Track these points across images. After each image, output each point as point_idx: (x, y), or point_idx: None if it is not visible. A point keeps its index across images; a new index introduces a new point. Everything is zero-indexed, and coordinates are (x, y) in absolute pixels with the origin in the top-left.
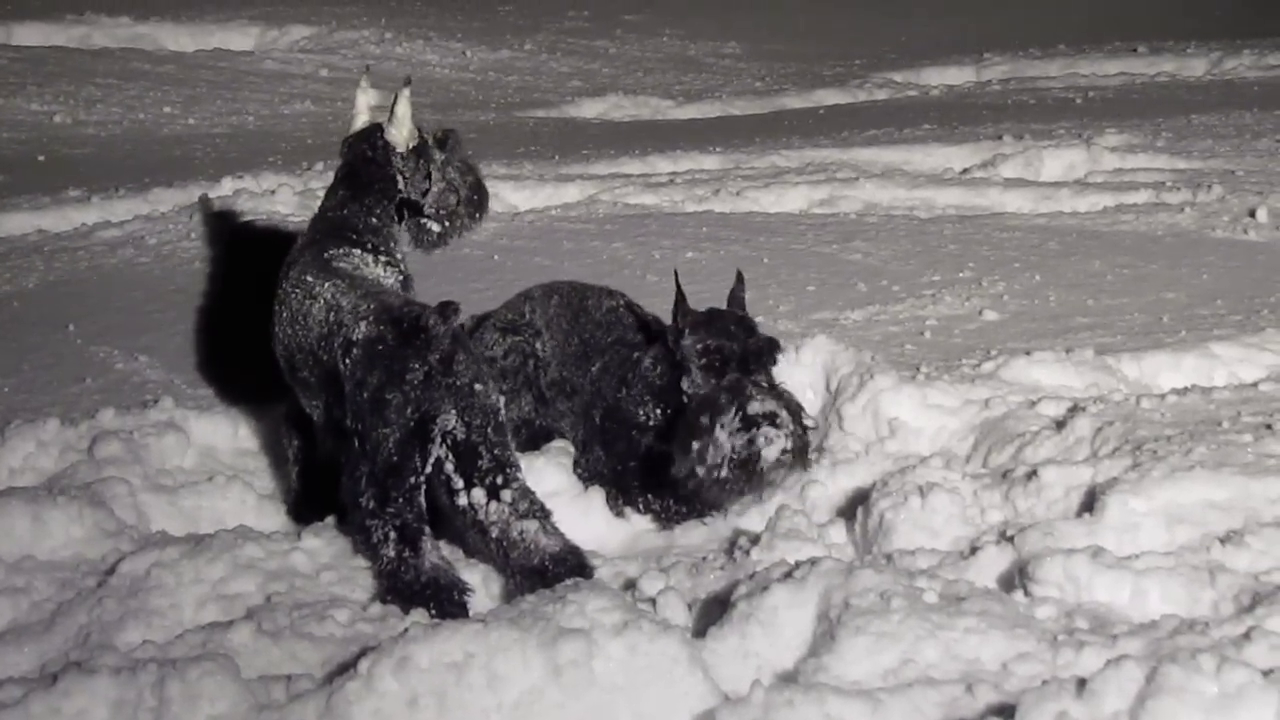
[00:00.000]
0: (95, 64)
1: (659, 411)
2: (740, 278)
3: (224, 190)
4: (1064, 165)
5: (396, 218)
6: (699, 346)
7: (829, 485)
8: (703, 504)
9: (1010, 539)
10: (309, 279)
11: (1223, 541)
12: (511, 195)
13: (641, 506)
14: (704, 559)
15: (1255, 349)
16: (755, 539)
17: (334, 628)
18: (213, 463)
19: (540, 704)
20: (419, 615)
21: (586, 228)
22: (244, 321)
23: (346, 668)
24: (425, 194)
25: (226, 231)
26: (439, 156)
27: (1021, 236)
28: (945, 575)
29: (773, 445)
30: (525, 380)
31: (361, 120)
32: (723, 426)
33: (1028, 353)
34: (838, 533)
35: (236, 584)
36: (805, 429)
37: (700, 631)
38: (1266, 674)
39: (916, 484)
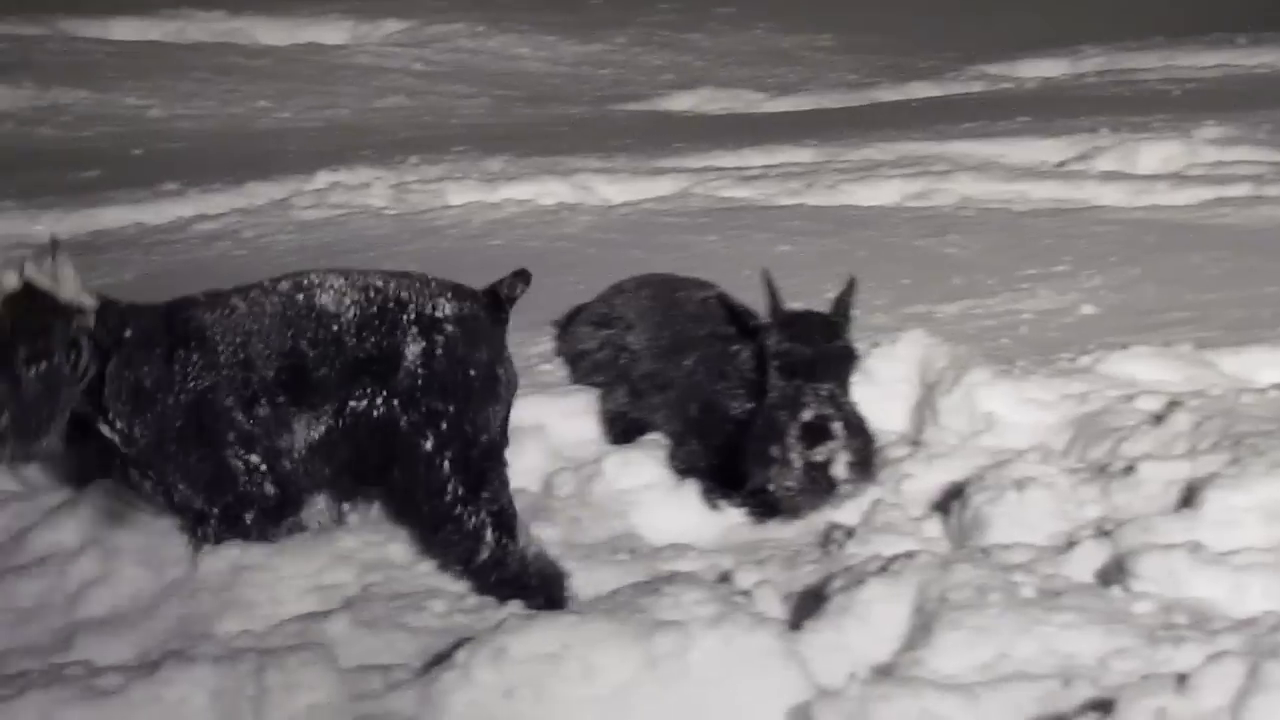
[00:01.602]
0: (191, 58)
1: (754, 407)
2: (852, 283)
3: (318, 184)
4: (1161, 158)
5: None
6: (776, 348)
7: (924, 479)
8: (777, 512)
9: (1108, 534)
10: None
11: None
12: (604, 188)
13: (737, 500)
14: (798, 552)
15: None
16: (850, 532)
17: (430, 618)
18: None
19: (635, 696)
20: (515, 606)
21: (679, 221)
22: None
23: (443, 658)
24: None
25: (320, 224)
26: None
27: (1118, 230)
28: (1042, 570)
29: (834, 460)
30: (619, 373)
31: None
32: (784, 438)
33: (1125, 347)
34: (933, 526)
35: (333, 575)
36: (867, 441)
37: (795, 624)
38: None
39: (1013, 478)
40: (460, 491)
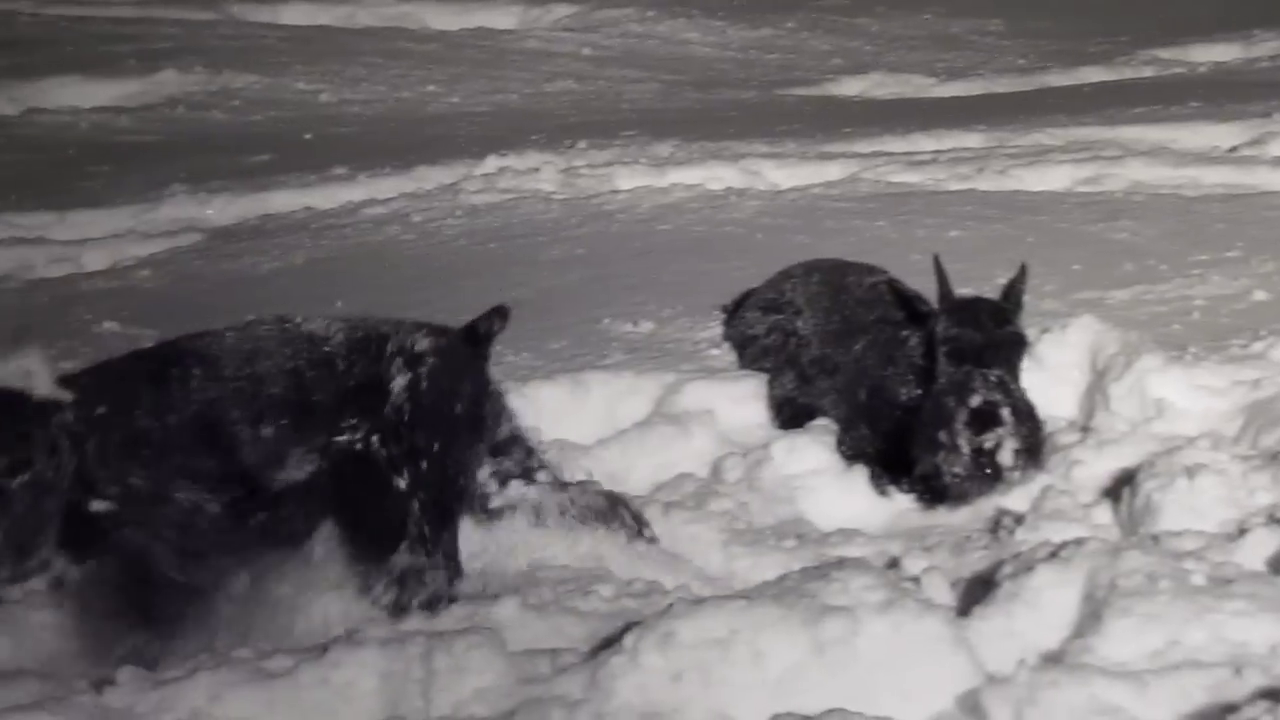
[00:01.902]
0: (360, 43)
1: (922, 393)
2: (1023, 270)
3: (487, 168)
4: None
5: None
6: (945, 334)
7: (1094, 465)
8: (945, 499)
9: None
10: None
11: None
12: (773, 173)
13: (905, 485)
14: (967, 538)
15: None
16: (1020, 519)
17: (598, 602)
18: None
19: (803, 681)
20: (682, 591)
21: (848, 206)
22: (508, 299)
23: (611, 642)
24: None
25: (489, 208)
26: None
27: None
28: (1213, 557)
29: (1002, 447)
30: (787, 358)
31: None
32: (952, 424)
33: None
34: (1103, 513)
35: (501, 560)
36: (1035, 428)
37: (964, 611)
38: None
39: (1184, 465)
40: (422, 532)
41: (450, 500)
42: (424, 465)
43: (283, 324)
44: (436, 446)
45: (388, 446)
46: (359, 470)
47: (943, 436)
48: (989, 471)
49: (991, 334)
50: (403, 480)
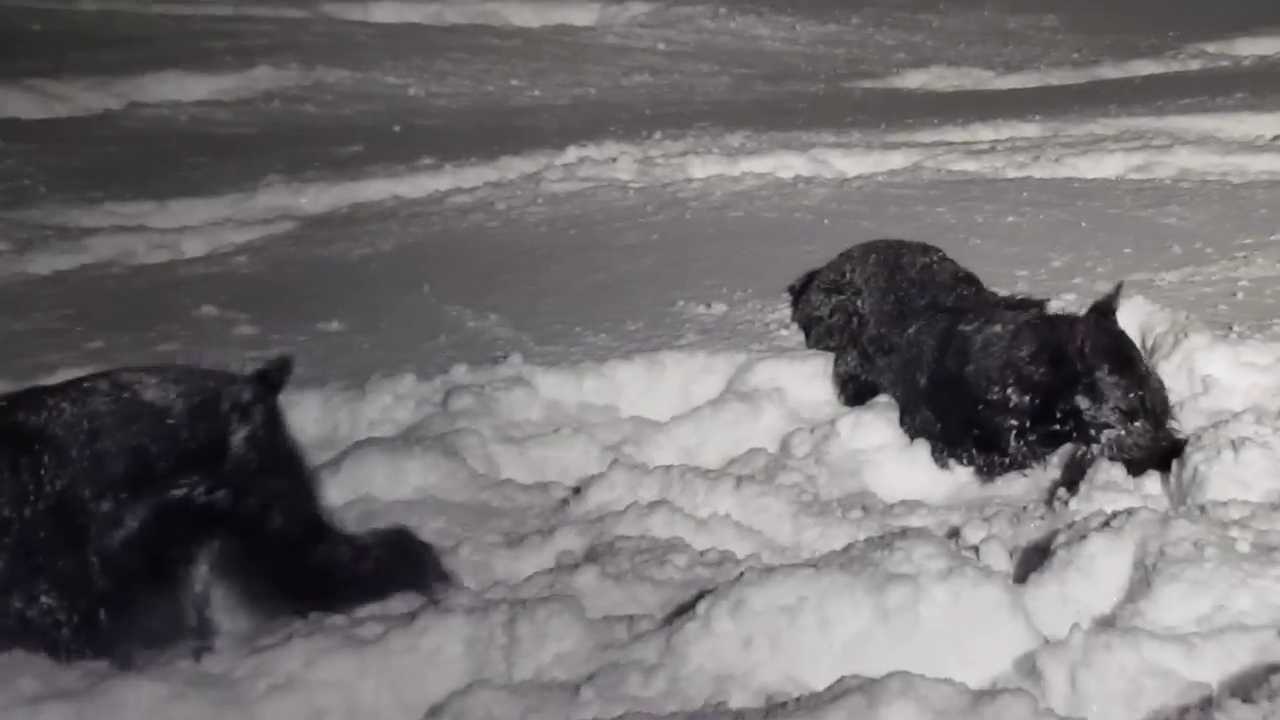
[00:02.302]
0: (446, 39)
1: (1020, 397)
2: (1119, 289)
3: (568, 158)
4: None
5: None
6: (1124, 394)
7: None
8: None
9: None
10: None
11: None
12: (839, 162)
13: (965, 459)
14: (1024, 509)
15: None
16: (1074, 490)
17: (672, 571)
18: (559, 416)
19: (869, 646)
20: (753, 560)
21: (911, 193)
22: (587, 282)
23: (685, 609)
24: None
25: (569, 196)
26: None
27: None
28: (1257, 526)
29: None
30: (850, 337)
31: None
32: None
33: None
34: (1152, 485)
35: (579, 531)
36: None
37: (1021, 578)
38: None
39: (1229, 438)
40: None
41: (318, 525)
42: (284, 503)
43: (119, 392)
44: (288, 484)
45: (246, 496)
46: (225, 526)
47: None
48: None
49: (1165, 438)
50: (274, 521)
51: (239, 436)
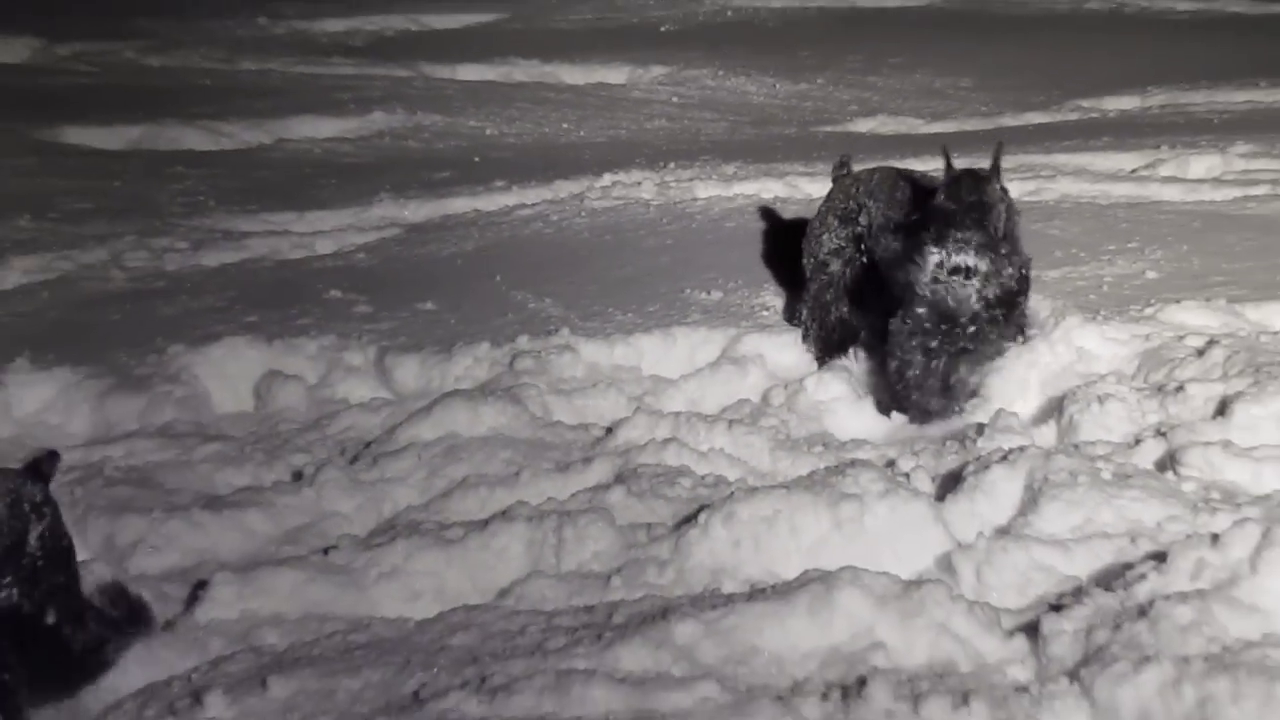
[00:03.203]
0: (515, 93)
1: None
2: (1000, 146)
3: (604, 182)
4: (1205, 166)
5: None
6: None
7: (1035, 394)
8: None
9: (1164, 434)
10: None
11: None
12: (807, 186)
13: (901, 408)
14: (944, 445)
15: None
16: (981, 431)
17: (681, 490)
18: (596, 374)
19: (826, 547)
20: (741, 483)
21: None
22: (618, 275)
23: (689, 519)
24: None
25: (605, 211)
26: None
27: (1174, 218)
28: (1117, 460)
29: (968, 292)
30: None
31: None
32: (926, 274)
33: (1178, 301)
34: (1040, 429)
35: (609, 463)
36: (1002, 276)
37: (940, 497)
38: None
39: (1097, 394)
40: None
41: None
42: (60, 596)
43: None
44: (64, 577)
45: (33, 592)
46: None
47: (929, 279)
48: (960, 317)
49: (964, 203)
50: (50, 616)
51: (34, 534)
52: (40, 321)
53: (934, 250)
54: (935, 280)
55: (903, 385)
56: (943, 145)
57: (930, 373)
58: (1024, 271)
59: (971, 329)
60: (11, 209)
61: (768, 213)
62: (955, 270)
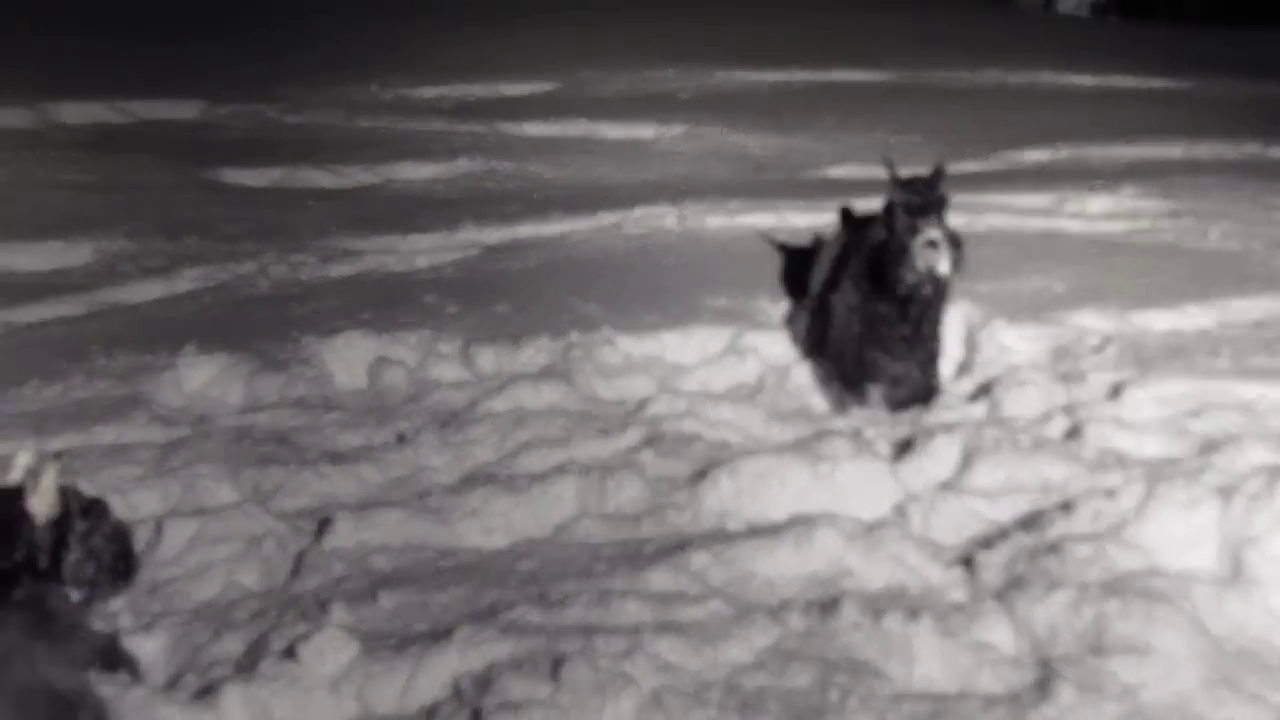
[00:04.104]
0: (567, 145)
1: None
2: (941, 164)
3: (636, 214)
4: (1101, 205)
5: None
6: (900, 199)
7: (968, 381)
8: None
9: (1069, 411)
10: None
11: (1190, 415)
12: (795, 218)
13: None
14: (899, 420)
15: (1210, 308)
16: (927, 409)
17: (696, 452)
18: (630, 362)
19: (808, 498)
20: (741, 446)
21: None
22: (647, 286)
23: (702, 474)
24: (61, 565)
25: (637, 236)
26: (80, 526)
27: (1077, 245)
28: (1033, 431)
29: (941, 258)
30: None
31: (12, 479)
32: (914, 248)
33: (1080, 309)
34: (974, 407)
35: (638, 430)
36: (957, 249)
37: (895, 459)
38: (1215, 489)
39: (1017, 380)
40: None
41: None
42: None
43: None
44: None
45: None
46: None
47: (912, 259)
48: (936, 276)
49: (930, 196)
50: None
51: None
52: (204, 318)
53: (859, 229)
54: (908, 252)
55: (849, 370)
56: (884, 155)
57: (860, 355)
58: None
59: (892, 313)
60: (183, 232)
61: (762, 239)
62: (930, 243)
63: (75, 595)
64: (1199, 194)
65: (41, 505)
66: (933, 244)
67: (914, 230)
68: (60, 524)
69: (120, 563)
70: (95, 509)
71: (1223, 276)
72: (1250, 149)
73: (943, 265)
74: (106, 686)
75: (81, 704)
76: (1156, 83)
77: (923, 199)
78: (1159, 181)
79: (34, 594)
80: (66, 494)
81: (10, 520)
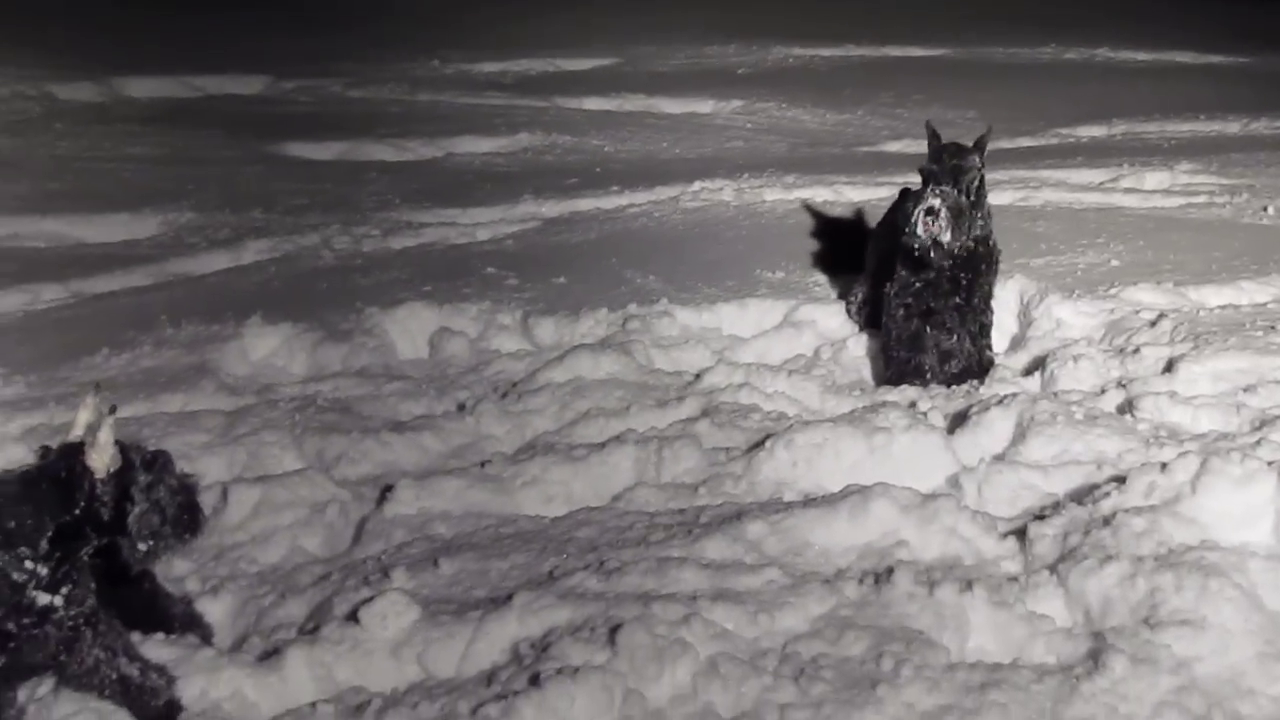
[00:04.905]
0: (626, 119)
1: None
2: (989, 130)
3: (694, 188)
4: (1157, 180)
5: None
6: (922, 168)
7: (1024, 354)
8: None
9: (1123, 386)
10: None
11: (1245, 390)
12: (850, 192)
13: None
14: (953, 391)
15: (1266, 285)
16: (982, 381)
17: (753, 423)
18: (688, 333)
19: (863, 468)
20: (798, 418)
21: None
22: (704, 259)
23: (758, 445)
24: (126, 517)
25: (695, 209)
26: (143, 479)
27: (1132, 220)
28: (1087, 405)
29: (943, 226)
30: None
31: (74, 436)
32: (916, 215)
33: (1135, 284)
34: (1029, 380)
35: (695, 402)
36: (960, 217)
37: (950, 431)
38: (1270, 463)
39: (1072, 354)
40: None
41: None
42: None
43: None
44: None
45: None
46: None
47: (907, 227)
48: (936, 240)
49: (945, 164)
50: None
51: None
52: (269, 289)
53: (915, 197)
54: (911, 220)
55: (894, 345)
56: (927, 122)
57: (912, 330)
58: (990, 242)
59: (942, 285)
60: (248, 205)
61: (818, 213)
62: (929, 211)
63: (141, 548)
64: (1256, 170)
65: (100, 459)
66: (931, 212)
67: (917, 199)
68: (122, 477)
69: (186, 515)
70: (158, 462)
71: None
72: None
73: (944, 235)
74: (175, 648)
75: (150, 668)
76: (1214, 58)
77: (937, 166)
78: (1216, 157)
79: (105, 549)
80: (127, 448)
81: (73, 474)
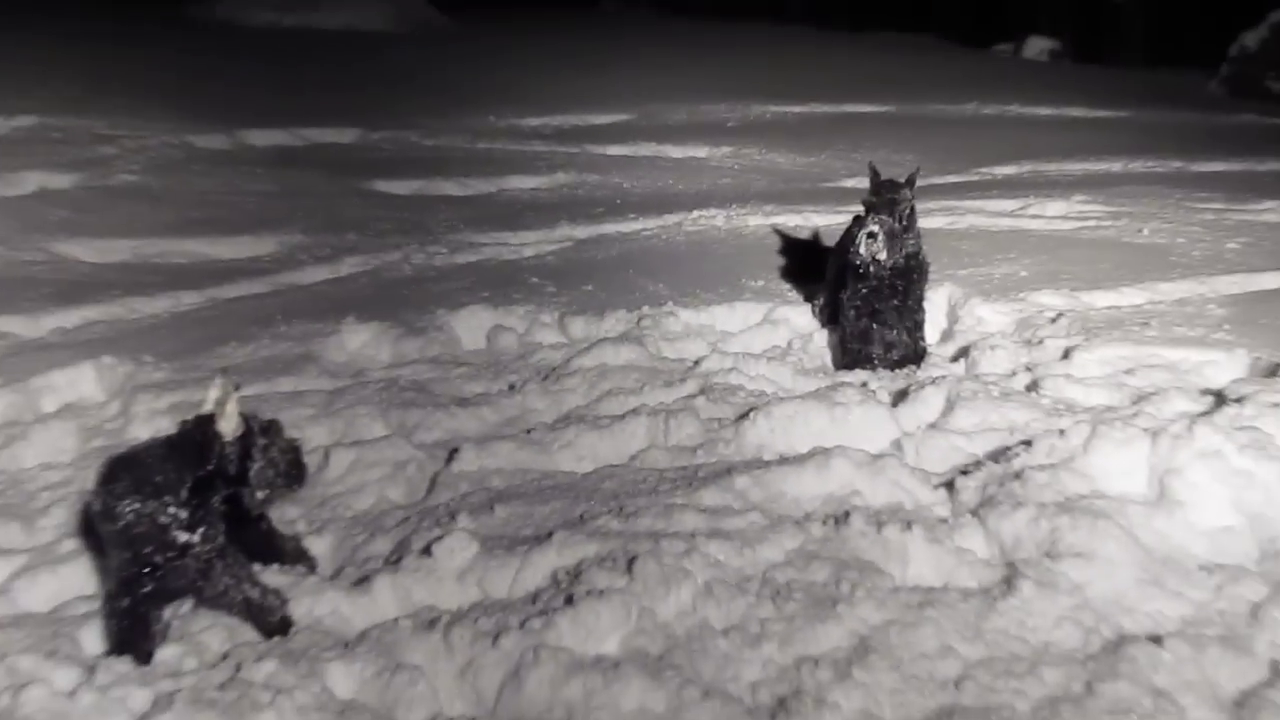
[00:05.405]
0: (640, 162)
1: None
2: (916, 170)
3: (693, 215)
4: (1057, 208)
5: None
6: (863, 200)
7: (950, 346)
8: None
9: (1030, 369)
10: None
11: (1125, 373)
12: (816, 219)
13: (852, 361)
14: (897, 374)
15: (1142, 289)
16: (919, 366)
17: (738, 399)
18: (689, 329)
19: (826, 435)
20: (774, 394)
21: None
22: (701, 270)
23: (744, 416)
24: (248, 471)
25: (694, 232)
26: (261, 442)
27: (1037, 239)
28: (1002, 385)
29: (879, 247)
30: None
31: (207, 409)
32: (859, 238)
33: (1039, 289)
34: (955, 366)
35: (694, 382)
36: (896, 239)
37: (894, 405)
38: (1145, 430)
39: (989, 345)
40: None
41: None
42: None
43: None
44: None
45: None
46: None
47: (854, 246)
48: (875, 257)
49: (882, 197)
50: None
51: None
52: (361, 294)
53: (859, 223)
54: (856, 241)
55: (848, 338)
56: (870, 163)
57: (861, 327)
58: (920, 257)
59: (883, 291)
60: (344, 229)
61: (790, 235)
62: (870, 235)
63: (260, 496)
64: (1135, 200)
65: (228, 426)
66: (872, 235)
67: (861, 225)
68: (244, 440)
69: (293, 469)
70: (273, 428)
71: (1152, 264)
72: (1175, 164)
73: (881, 253)
74: (287, 575)
75: (268, 591)
76: (1101, 112)
77: (876, 199)
78: (1103, 190)
79: (231, 497)
80: (248, 417)
81: (206, 438)
